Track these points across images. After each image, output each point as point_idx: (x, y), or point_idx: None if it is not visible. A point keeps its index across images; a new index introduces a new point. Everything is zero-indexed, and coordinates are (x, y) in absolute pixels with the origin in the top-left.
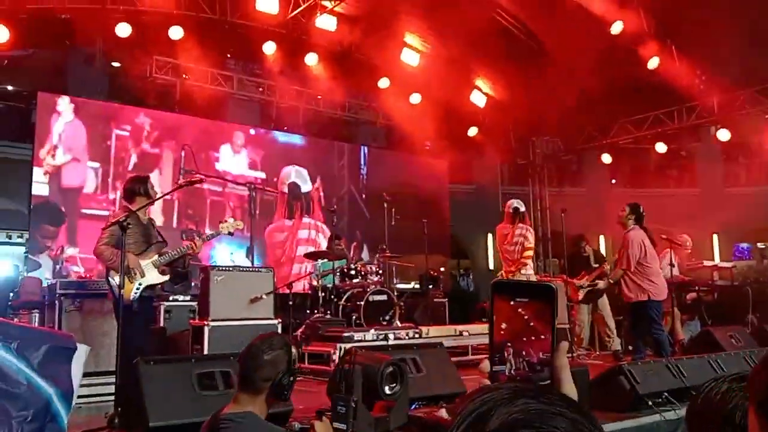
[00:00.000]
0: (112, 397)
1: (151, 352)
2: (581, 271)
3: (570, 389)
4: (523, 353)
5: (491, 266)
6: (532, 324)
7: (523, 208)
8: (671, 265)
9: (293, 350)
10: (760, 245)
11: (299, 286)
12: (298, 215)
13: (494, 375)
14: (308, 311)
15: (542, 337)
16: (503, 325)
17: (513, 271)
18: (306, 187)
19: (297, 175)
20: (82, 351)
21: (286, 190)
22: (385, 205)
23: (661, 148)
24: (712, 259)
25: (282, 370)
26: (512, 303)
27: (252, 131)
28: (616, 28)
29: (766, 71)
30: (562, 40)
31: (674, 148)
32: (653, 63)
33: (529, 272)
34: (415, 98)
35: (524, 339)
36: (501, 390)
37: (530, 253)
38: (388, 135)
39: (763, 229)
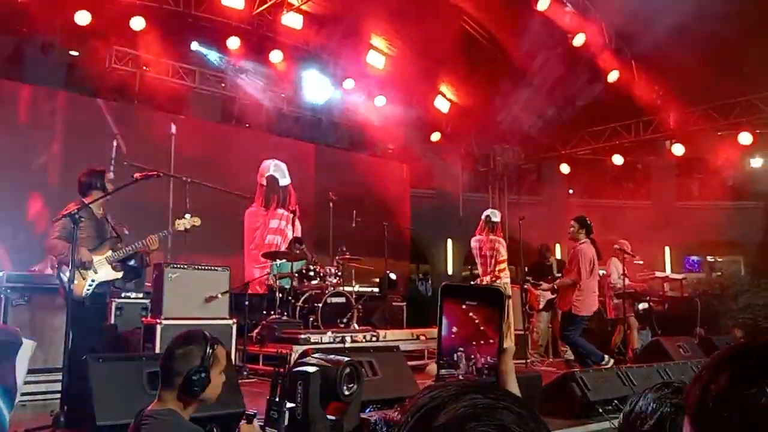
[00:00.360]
0: (59, 395)
1: (101, 350)
2: (544, 280)
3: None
4: (472, 357)
5: (450, 271)
6: (481, 328)
7: (496, 218)
8: (624, 275)
9: (219, 349)
10: (710, 258)
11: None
12: (273, 206)
13: (441, 378)
14: (265, 312)
15: (491, 341)
16: (453, 329)
17: (488, 282)
18: (284, 181)
19: (276, 169)
20: (27, 346)
21: (264, 182)
22: (331, 204)
23: (617, 160)
24: (664, 271)
25: (194, 367)
26: (463, 306)
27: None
28: (579, 40)
29: (721, 89)
30: (526, 49)
31: (630, 161)
32: (613, 76)
33: (505, 281)
34: (380, 101)
35: (473, 343)
36: (449, 387)
37: (503, 265)
38: (351, 136)
39: (714, 243)
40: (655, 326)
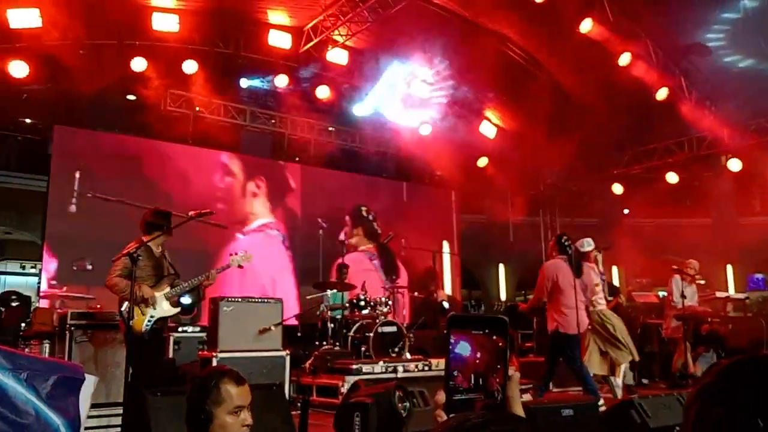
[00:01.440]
0: (120, 429)
1: (159, 384)
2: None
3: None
4: (481, 383)
5: (503, 296)
6: (488, 356)
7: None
8: (683, 296)
9: (226, 387)
10: None
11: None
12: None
13: (452, 405)
14: (317, 342)
15: (498, 368)
16: (463, 357)
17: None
18: None
19: None
20: (90, 382)
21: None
22: (321, 232)
23: (672, 178)
24: (726, 290)
25: (191, 403)
26: (470, 336)
27: None
28: (624, 59)
29: None
30: (572, 71)
31: (686, 178)
32: (662, 94)
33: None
34: (425, 129)
35: (482, 370)
36: (471, 418)
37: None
38: (398, 165)
39: None
40: (720, 348)
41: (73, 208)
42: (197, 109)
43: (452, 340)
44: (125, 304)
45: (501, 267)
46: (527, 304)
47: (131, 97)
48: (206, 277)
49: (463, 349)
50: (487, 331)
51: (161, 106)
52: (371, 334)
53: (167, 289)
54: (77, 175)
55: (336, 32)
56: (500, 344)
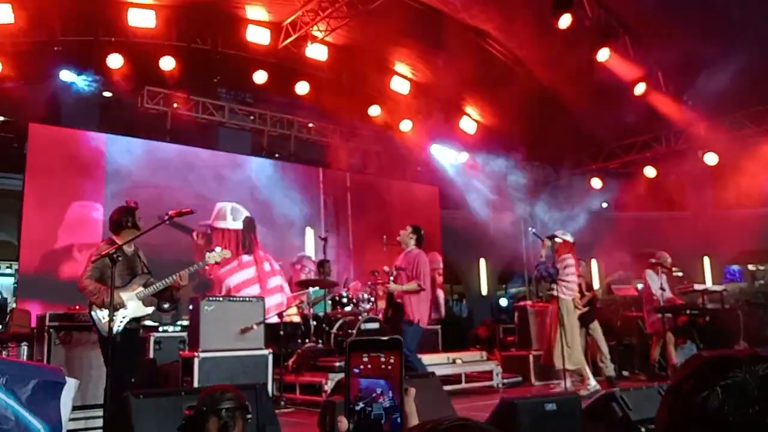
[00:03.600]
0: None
1: (140, 385)
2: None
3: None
4: (380, 401)
5: (485, 291)
6: (385, 373)
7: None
8: (662, 289)
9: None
10: (751, 267)
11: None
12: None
13: (357, 427)
14: (300, 340)
15: (395, 384)
16: (363, 376)
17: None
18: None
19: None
20: (71, 385)
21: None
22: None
23: (650, 172)
24: (704, 283)
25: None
26: (367, 357)
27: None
28: (603, 55)
29: (751, 96)
30: (550, 67)
31: (664, 173)
32: (639, 89)
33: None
34: (406, 125)
35: (379, 390)
36: (442, 423)
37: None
38: (378, 161)
39: (754, 252)
40: (697, 340)
41: None
42: (175, 106)
43: (352, 364)
44: (94, 307)
45: (482, 261)
46: (405, 288)
47: (107, 94)
48: (179, 277)
49: (363, 369)
50: (382, 350)
51: (138, 104)
52: (354, 331)
53: (139, 289)
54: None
55: (315, 28)
56: (396, 360)
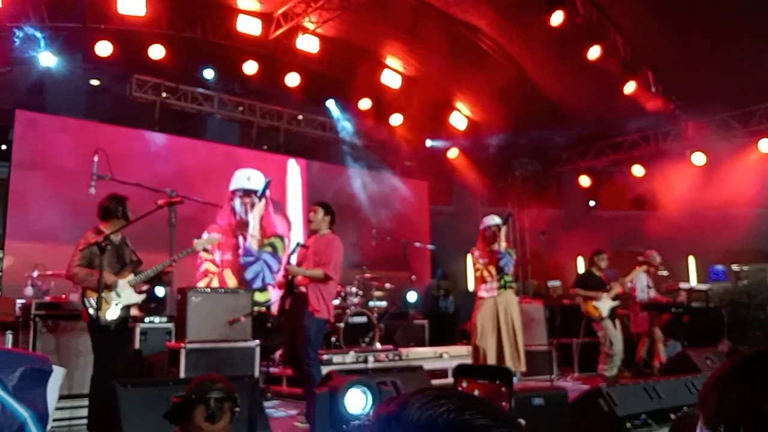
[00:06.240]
0: (86, 420)
1: (125, 376)
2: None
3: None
4: None
5: (471, 287)
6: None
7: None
8: (648, 286)
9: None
10: (735, 267)
11: None
12: None
13: None
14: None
15: None
16: None
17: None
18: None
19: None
20: (58, 373)
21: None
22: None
23: (638, 171)
24: (689, 282)
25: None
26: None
27: None
28: (593, 53)
29: (740, 96)
30: (541, 65)
31: (652, 172)
32: (629, 88)
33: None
34: (396, 119)
35: None
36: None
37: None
38: (368, 155)
39: (739, 252)
40: (682, 338)
41: (92, 190)
42: (164, 95)
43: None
44: (88, 293)
45: (469, 257)
46: (309, 274)
47: (95, 82)
48: (170, 263)
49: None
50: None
51: (126, 92)
52: (342, 325)
53: (130, 277)
54: (95, 158)
55: (307, 19)
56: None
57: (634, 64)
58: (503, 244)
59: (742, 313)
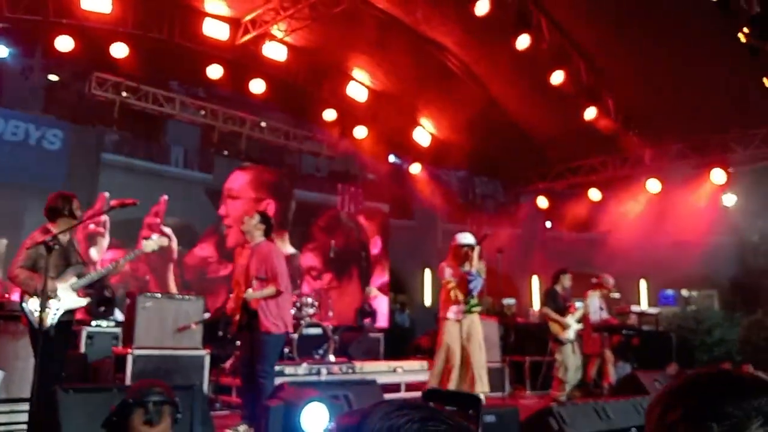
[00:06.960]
0: (25, 426)
1: (69, 380)
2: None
3: None
4: None
5: (429, 302)
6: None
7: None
8: (600, 308)
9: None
10: (684, 293)
11: None
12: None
13: None
14: (239, 342)
15: None
16: None
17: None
18: None
19: None
20: None
21: None
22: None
23: (595, 195)
24: (639, 305)
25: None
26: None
27: None
28: (557, 78)
29: (695, 127)
30: (505, 84)
31: (608, 196)
32: (590, 114)
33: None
34: (361, 132)
35: None
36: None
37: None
38: (330, 166)
39: (688, 278)
40: (632, 360)
41: None
42: (124, 94)
43: None
44: (26, 297)
45: (427, 272)
46: (267, 294)
47: (53, 78)
48: (114, 267)
49: None
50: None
51: (85, 89)
52: (295, 336)
53: (73, 280)
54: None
55: (275, 27)
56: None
57: (596, 91)
58: (476, 265)
59: (690, 338)
